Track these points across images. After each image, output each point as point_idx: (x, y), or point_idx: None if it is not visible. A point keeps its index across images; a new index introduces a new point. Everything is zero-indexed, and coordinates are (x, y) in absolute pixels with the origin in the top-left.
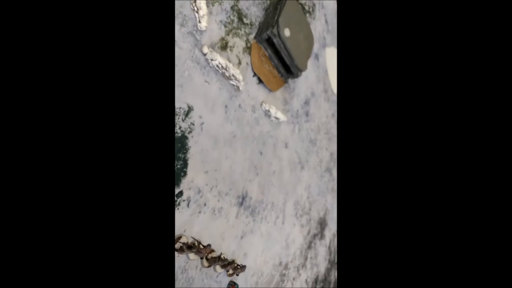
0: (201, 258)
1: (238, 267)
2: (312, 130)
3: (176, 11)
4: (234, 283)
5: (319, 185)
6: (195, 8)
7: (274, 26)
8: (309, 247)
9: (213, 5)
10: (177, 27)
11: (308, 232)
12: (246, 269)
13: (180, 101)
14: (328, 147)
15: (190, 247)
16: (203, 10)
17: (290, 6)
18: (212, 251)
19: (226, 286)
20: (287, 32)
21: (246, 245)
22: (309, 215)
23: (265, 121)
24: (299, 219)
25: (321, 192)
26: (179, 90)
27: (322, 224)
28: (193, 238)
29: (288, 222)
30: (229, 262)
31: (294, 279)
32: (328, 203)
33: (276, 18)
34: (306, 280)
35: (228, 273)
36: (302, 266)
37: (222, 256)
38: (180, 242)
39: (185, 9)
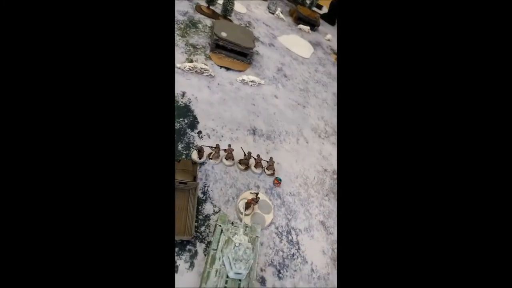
0: (237, 163)
1: (272, 163)
2: (298, 83)
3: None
4: (277, 178)
5: (335, 115)
6: None
7: (213, 35)
8: None
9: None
10: None
11: None
12: (288, 173)
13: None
14: (328, 90)
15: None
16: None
17: (219, 23)
18: (232, 150)
19: (272, 183)
20: (224, 34)
21: (275, 158)
22: (335, 137)
23: (245, 87)
24: (327, 139)
25: None
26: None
27: None
28: (208, 146)
29: (313, 141)
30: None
31: None
32: None
33: (212, 31)
34: None
35: (268, 173)
36: None
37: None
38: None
39: None
